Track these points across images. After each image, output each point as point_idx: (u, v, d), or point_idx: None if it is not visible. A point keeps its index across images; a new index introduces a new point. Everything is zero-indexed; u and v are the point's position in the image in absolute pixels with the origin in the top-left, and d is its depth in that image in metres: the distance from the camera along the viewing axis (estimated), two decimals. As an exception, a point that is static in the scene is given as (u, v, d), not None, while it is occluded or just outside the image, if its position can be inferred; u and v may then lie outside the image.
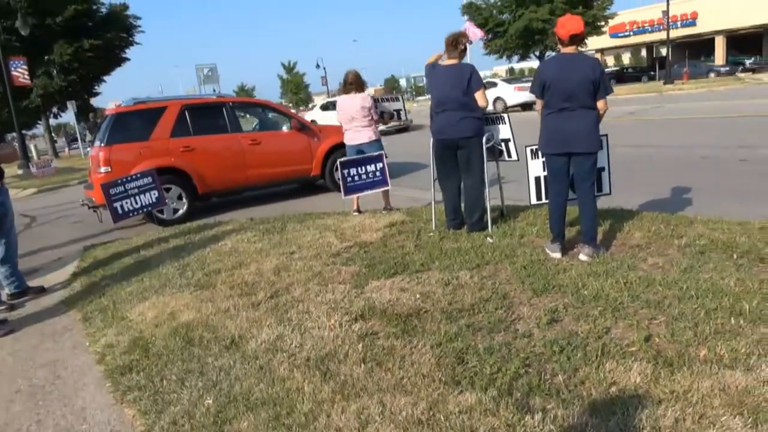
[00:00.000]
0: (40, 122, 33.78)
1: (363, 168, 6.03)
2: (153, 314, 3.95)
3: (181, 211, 7.83)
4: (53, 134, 35.90)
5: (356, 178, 6.01)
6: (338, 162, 6.05)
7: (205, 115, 8.33)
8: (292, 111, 12.37)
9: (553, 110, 4.03)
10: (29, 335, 4.13)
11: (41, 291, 5.15)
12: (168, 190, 7.53)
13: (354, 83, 6.36)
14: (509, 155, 5.09)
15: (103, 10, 29.54)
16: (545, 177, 4.58)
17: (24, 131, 28.65)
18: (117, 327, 3.88)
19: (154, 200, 6.51)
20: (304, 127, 8.89)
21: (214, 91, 17.92)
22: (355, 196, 6.18)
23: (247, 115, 10.18)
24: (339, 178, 6.19)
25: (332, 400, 2.52)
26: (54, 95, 28.35)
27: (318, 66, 50.41)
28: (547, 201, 4.55)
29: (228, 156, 8.21)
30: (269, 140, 8.64)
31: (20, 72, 21.54)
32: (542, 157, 4.48)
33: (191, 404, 2.70)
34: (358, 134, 6.34)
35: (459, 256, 4.28)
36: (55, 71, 27.45)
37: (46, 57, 26.87)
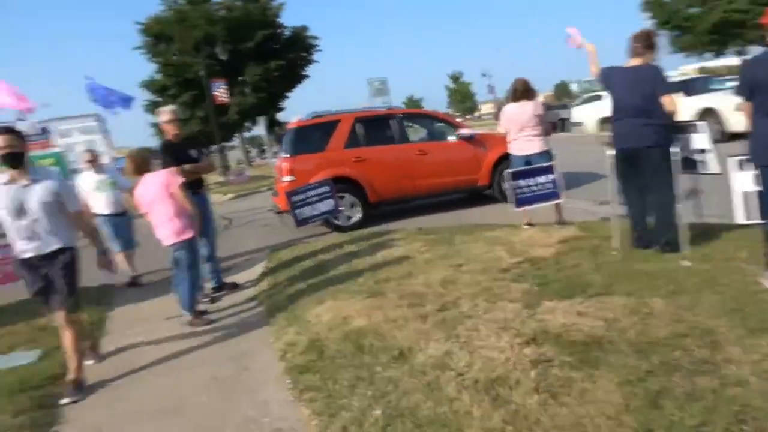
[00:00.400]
0: (236, 136, 38.45)
1: (533, 179, 5.76)
2: (328, 317, 4.15)
3: (354, 219, 8.24)
4: (247, 146, 40.59)
5: (526, 189, 5.75)
6: (506, 173, 5.85)
7: (376, 127, 8.68)
8: (459, 120, 12.35)
9: (765, 114, 3.42)
10: (224, 327, 4.62)
11: (234, 287, 5.76)
12: (342, 198, 7.97)
13: (524, 91, 6.12)
14: (708, 168, 4.43)
15: (287, 33, 32.68)
16: (760, 192, 3.89)
17: (224, 143, 32.82)
18: (297, 326, 4.15)
19: (330, 208, 6.92)
20: (471, 137, 8.82)
21: (384, 103, 18.70)
22: (525, 208, 5.92)
23: (415, 126, 10.41)
24: (506, 189, 5.99)
25: (502, 430, 2.38)
26: (247, 111, 32.07)
27: (484, 75, 50.11)
28: (760, 222, 3.87)
29: (397, 166, 8.45)
30: (436, 150, 8.72)
31: (221, 92, 24.81)
32: (755, 168, 3.82)
33: (360, 412, 2.75)
34: (528, 144, 6.08)
35: (648, 280, 3.83)
36: (247, 90, 31.05)
37: (239, 78, 30.50)
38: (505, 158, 7.92)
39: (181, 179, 4.68)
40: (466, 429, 2.43)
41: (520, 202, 5.78)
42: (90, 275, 5.83)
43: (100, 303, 5.72)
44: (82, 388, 3.68)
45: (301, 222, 6.72)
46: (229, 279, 5.94)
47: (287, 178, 8.11)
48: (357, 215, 8.25)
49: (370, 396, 2.90)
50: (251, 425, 2.94)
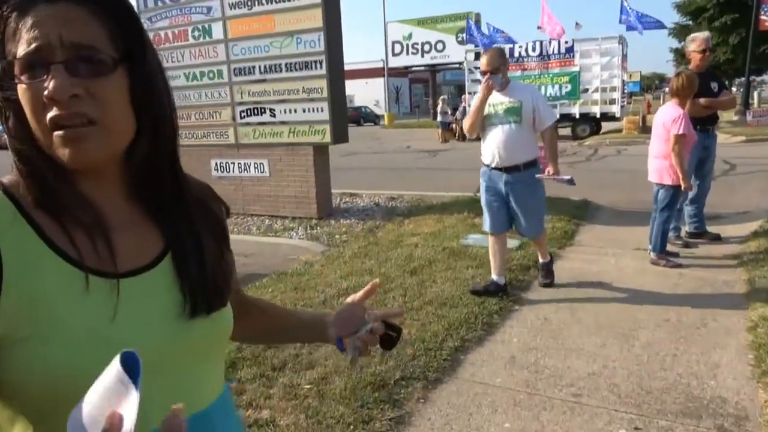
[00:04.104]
0: (771, 69, 32.03)
1: None
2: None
3: None
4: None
5: None
6: None
7: None
8: None
9: None
10: (691, 276, 4.31)
11: (716, 238, 5.20)
12: None
13: None
14: None
15: None
16: None
17: (753, 77, 28.04)
18: (782, 304, 3.51)
19: None
20: None
21: None
22: None
23: None
24: None
25: None
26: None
27: None
28: None
29: None
30: None
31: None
32: None
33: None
34: None
35: None
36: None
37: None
38: None
39: (679, 128, 4.23)
40: None
41: None
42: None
43: (575, 216, 6.18)
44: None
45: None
46: (713, 229, 5.38)
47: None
48: None
49: None
50: (693, 380, 2.78)
